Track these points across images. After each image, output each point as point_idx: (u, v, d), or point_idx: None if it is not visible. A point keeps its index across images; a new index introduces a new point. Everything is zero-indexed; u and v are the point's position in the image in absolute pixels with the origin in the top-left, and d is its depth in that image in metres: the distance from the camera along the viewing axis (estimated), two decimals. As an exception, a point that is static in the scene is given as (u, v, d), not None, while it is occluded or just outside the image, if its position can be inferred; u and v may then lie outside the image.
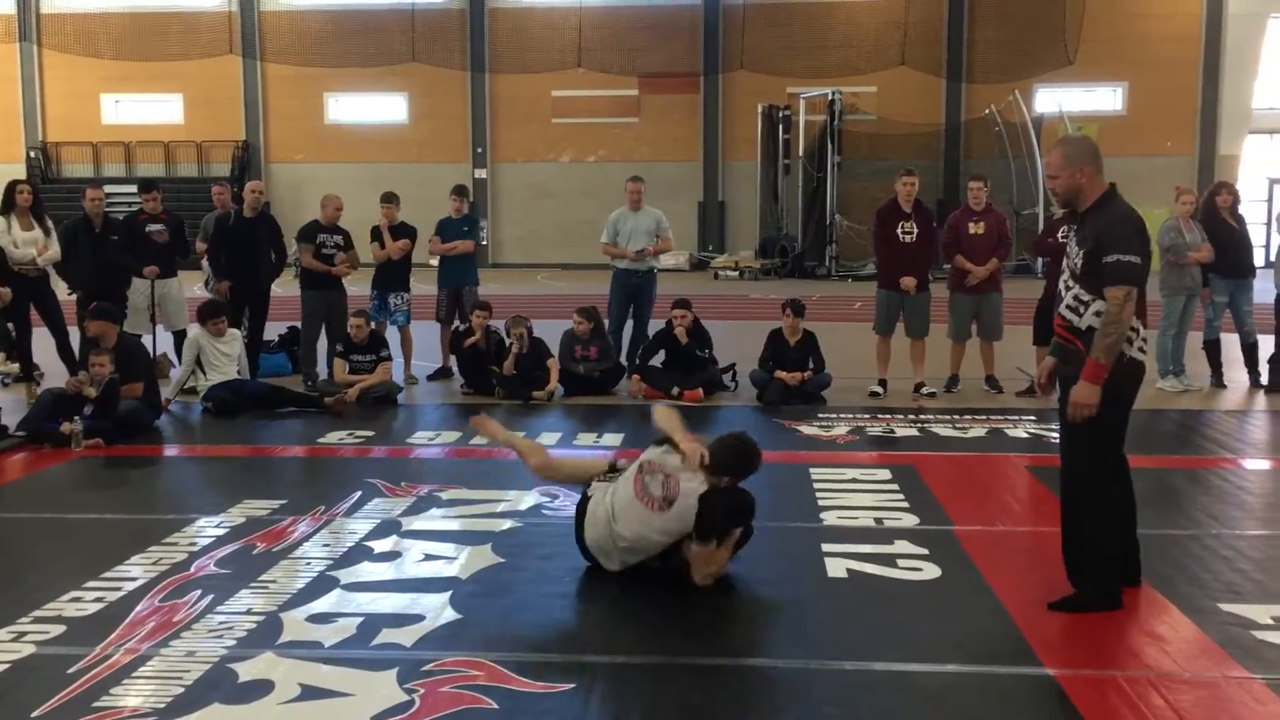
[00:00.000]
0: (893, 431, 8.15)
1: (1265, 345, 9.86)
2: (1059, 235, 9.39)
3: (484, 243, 28.50)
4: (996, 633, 4.20)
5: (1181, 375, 9.85)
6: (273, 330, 11.17)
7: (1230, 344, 10.14)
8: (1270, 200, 27.64)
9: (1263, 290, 10.21)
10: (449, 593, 4.63)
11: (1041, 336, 9.57)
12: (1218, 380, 9.98)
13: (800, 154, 28.19)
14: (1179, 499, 6.31)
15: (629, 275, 10.37)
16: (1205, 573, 4.85)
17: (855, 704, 3.64)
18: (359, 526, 5.64)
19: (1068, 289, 4.44)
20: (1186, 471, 6.91)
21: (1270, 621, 4.25)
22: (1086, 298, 4.32)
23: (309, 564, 5.04)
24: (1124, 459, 4.59)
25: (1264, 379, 9.82)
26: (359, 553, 5.22)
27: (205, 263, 11.09)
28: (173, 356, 10.24)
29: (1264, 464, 7.31)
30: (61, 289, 10.23)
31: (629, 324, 10.48)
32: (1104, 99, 30.26)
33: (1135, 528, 4.64)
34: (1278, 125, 30.14)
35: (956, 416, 8.62)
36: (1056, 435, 8.02)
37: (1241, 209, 10.24)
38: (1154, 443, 8.23)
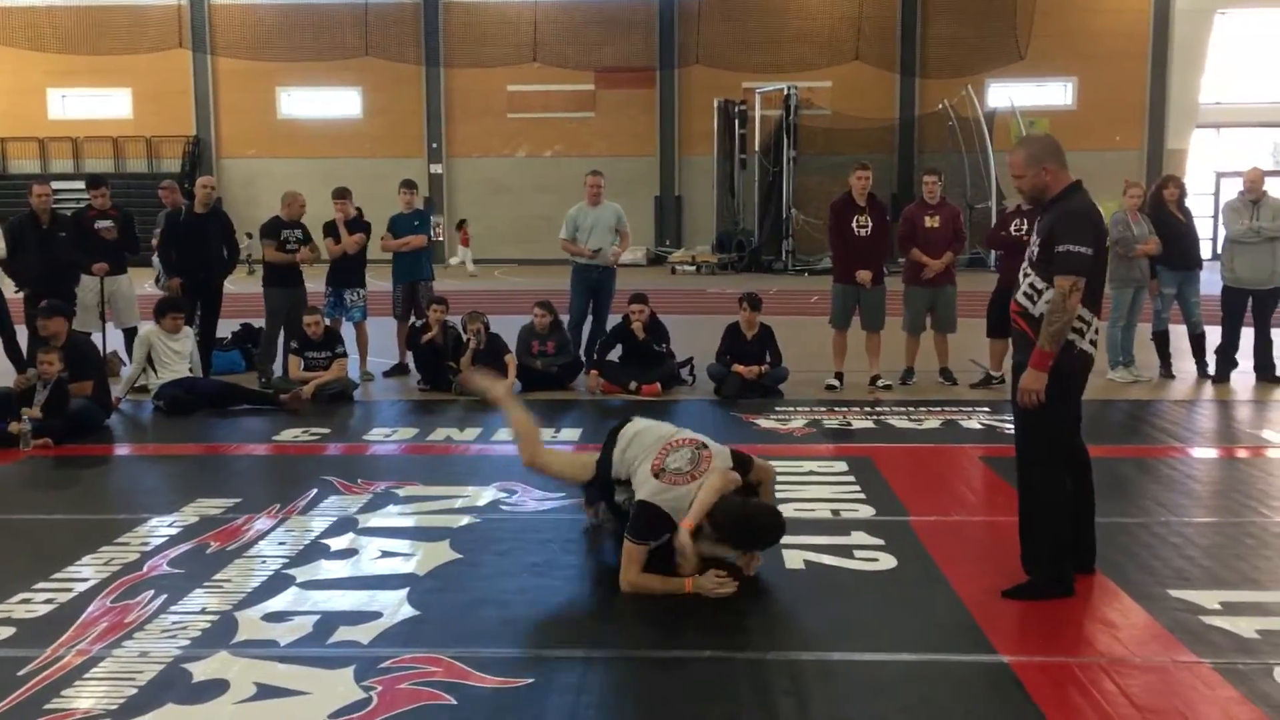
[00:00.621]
0: (849, 424, 8.21)
1: (1212, 336, 10.04)
2: (1011, 228, 9.51)
3: (439, 238, 28.35)
4: (952, 622, 4.24)
5: (1131, 366, 10.01)
6: (226, 327, 11.04)
7: (1178, 335, 10.31)
8: (1217, 194, 28.10)
9: (1209, 282, 10.39)
10: (406, 589, 4.61)
11: (995, 329, 9.68)
12: (1166, 371, 10.14)
13: (756, 149, 28.32)
14: (1129, 488, 6.41)
15: (588, 270, 10.34)
16: (1155, 560, 4.93)
17: (813, 694, 3.67)
18: (315, 524, 5.60)
19: (1024, 276, 4.52)
20: (1136, 460, 7.02)
21: (1218, 607, 4.33)
22: (1040, 285, 4.40)
23: (264, 562, 4.99)
24: (1082, 448, 4.66)
25: (1211, 369, 10.00)
26: (315, 550, 5.17)
27: (156, 259, 10.94)
28: (123, 354, 10.10)
29: (1211, 453, 7.45)
30: (8, 286, 10.06)
31: (588, 319, 10.45)
32: (1055, 94, 30.65)
33: (1093, 516, 4.70)
34: (1224, 120, 30.67)
35: (912, 409, 8.69)
36: (1010, 426, 8.14)
37: (1188, 202, 10.40)
38: (1104, 432, 8.35)
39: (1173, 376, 10.05)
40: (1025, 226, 9.38)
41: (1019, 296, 4.53)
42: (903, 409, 8.68)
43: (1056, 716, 3.42)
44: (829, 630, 4.21)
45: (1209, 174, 29.73)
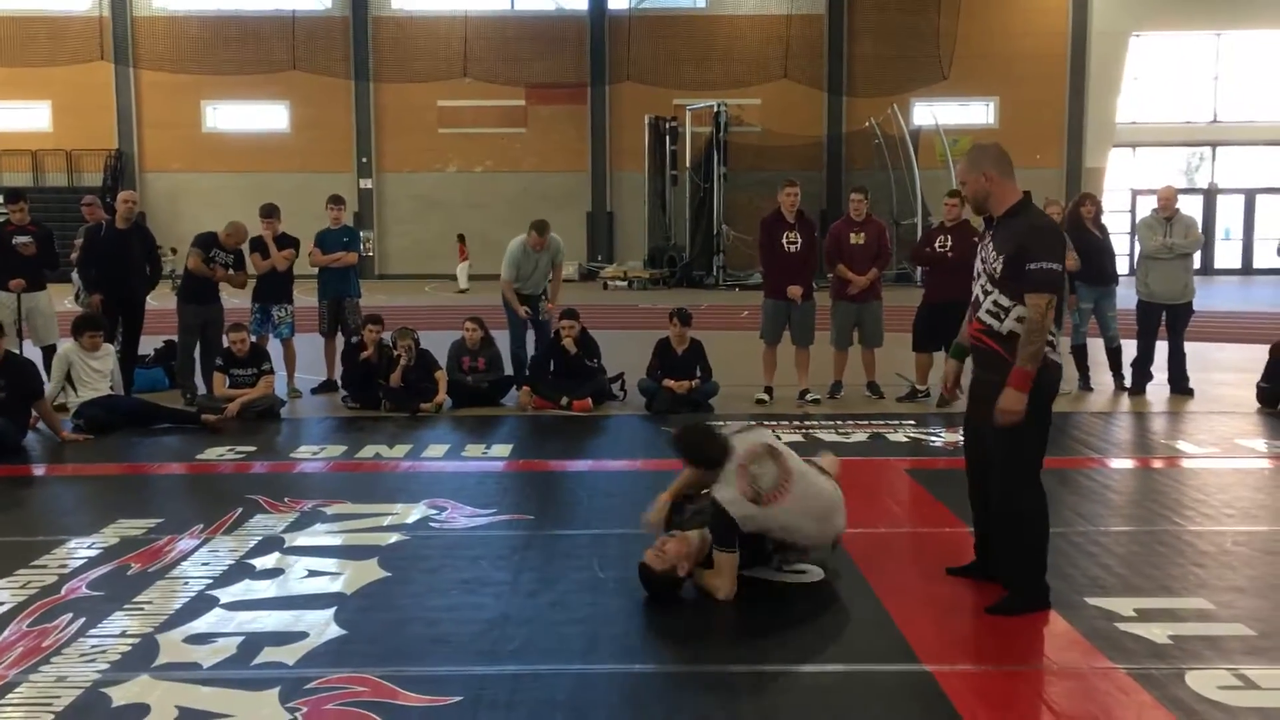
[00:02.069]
0: (778, 438, 8.27)
1: (1128, 350, 10.31)
2: (935, 244, 9.69)
3: (369, 254, 28.08)
4: (877, 632, 4.31)
5: (1052, 379, 10.22)
6: (149, 344, 10.85)
7: (1096, 348, 10.57)
8: (1133, 211, 28.89)
9: (1125, 297, 10.67)
10: (333, 609, 4.56)
11: (921, 343, 9.85)
12: (1084, 384, 10.39)
13: (687, 165, 28.54)
14: (1049, 498, 6.55)
15: (524, 296, 10.25)
16: (1072, 568, 5.05)
17: (741, 705, 3.70)
18: (240, 544, 5.52)
19: (986, 294, 4.48)
20: (1055, 472, 7.14)
21: (1133, 614, 4.45)
22: (1006, 303, 4.38)
23: (187, 584, 4.91)
24: None
25: (1127, 382, 10.27)
26: (240, 571, 5.10)
27: (75, 275, 10.71)
28: (43, 373, 9.85)
29: (1127, 463, 7.64)
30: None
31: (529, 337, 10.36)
32: (977, 113, 31.33)
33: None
34: (1139, 139, 31.58)
35: (839, 422, 8.81)
36: (935, 439, 8.29)
37: (1104, 219, 10.69)
38: (1026, 445, 8.55)
39: (1090, 389, 10.30)
40: (950, 243, 9.58)
41: (982, 315, 4.49)
42: (831, 422, 8.79)
43: (978, 723, 3.49)
44: (757, 641, 4.25)
45: (1125, 192, 30.57)
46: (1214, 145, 32.51)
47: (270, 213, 10.39)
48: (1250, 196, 32.54)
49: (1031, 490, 4.50)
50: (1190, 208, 10.73)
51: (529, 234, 10.06)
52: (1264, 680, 3.82)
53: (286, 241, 10.35)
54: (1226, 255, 32.54)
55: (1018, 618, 4.43)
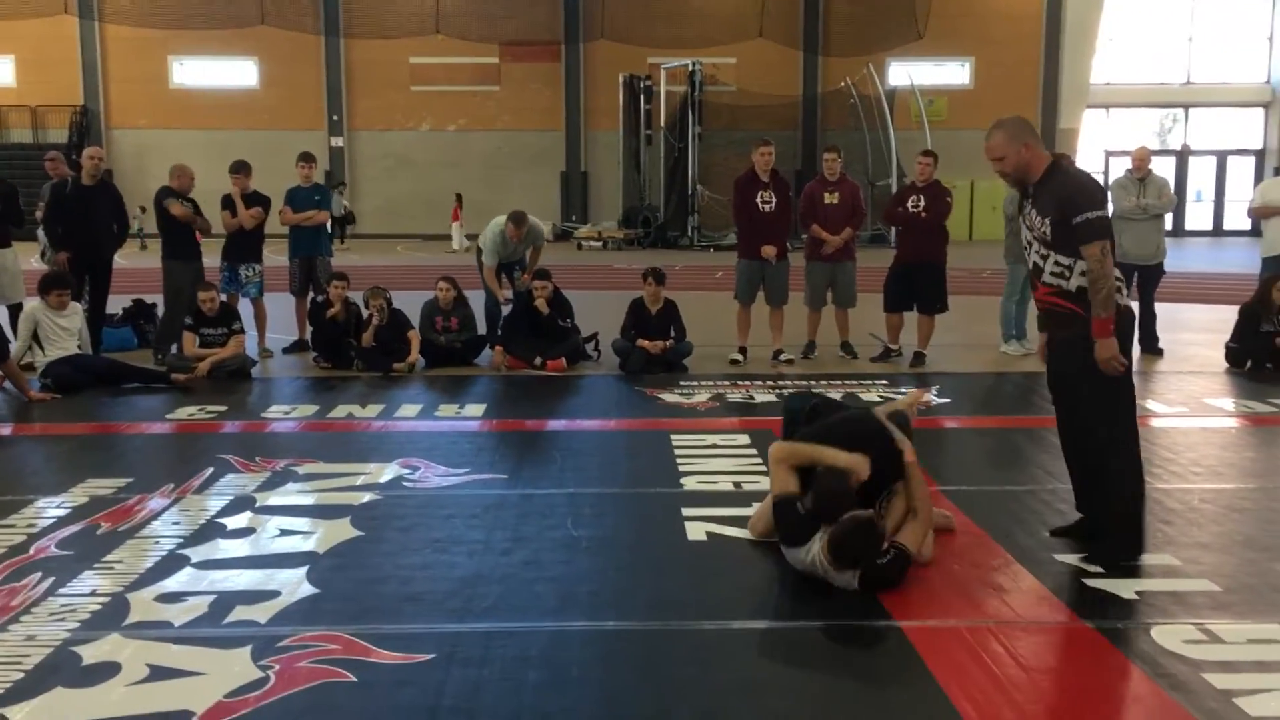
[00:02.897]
0: (752, 398, 8.31)
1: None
2: (908, 205, 9.70)
3: (348, 209, 27.70)
4: (851, 591, 4.33)
5: (1023, 340, 10.29)
6: (117, 303, 10.73)
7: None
8: (1106, 172, 29.01)
9: (1098, 258, 10.69)
10: (306, 567, 4.55)
11: (892, 304, 9.88)
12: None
13: (662, 124, 28.36)
14: (1019, 456, 6.62)
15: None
16: (1042, 526, 5.10)
17: (714, 662, 3.72)
18: (211, 503, 5.49)
19: (1043, 258, 4.56)
20: (1026, 430, 7.24)
21: (1099, 570, 4.50)
22: (1067, 261, 4.47)
23: (157, 543, 4.88)
24: None
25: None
26: (211, 530, 5.07)
27: (41, 233, 10.56)
28: (9, 331, 9.73)
29: (1098, 422, 7.70)
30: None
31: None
32: (952, 73, 31.27)
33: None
34: (1113, 100, 31.64)
35: (813, 382, 8.83)
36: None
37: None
38: (997, 404, 8.63)
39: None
40: (922, 203, 9.59)
41: (1047, 278, 4.57)
42: (805, 382, 8.81)
43: (946, 677, 3.53)
44: (730, 600, 4.27)
45: (1099, 153, 30.67)
46: (1187, 107, 32.64)
47: (239, 169, 10.25)
48: (1222, 158, 32.73)
49: (1125, 435, 4.59)
50: (1163, 169, 10.77)
51: (506, 225, 9.98)
52: (1227, 634, 3.87)
53: (256, 200, 10.23)
54: (1198, 217, 32.77)
55: (983, 576, 4.47)
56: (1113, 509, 4.63)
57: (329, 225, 11.02)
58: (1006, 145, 4.56)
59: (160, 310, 10.45)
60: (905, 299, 9.82)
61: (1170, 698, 3.40)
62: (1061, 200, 4.45)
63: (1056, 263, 4.51)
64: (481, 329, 10.10)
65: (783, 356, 9.75)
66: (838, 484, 4.40)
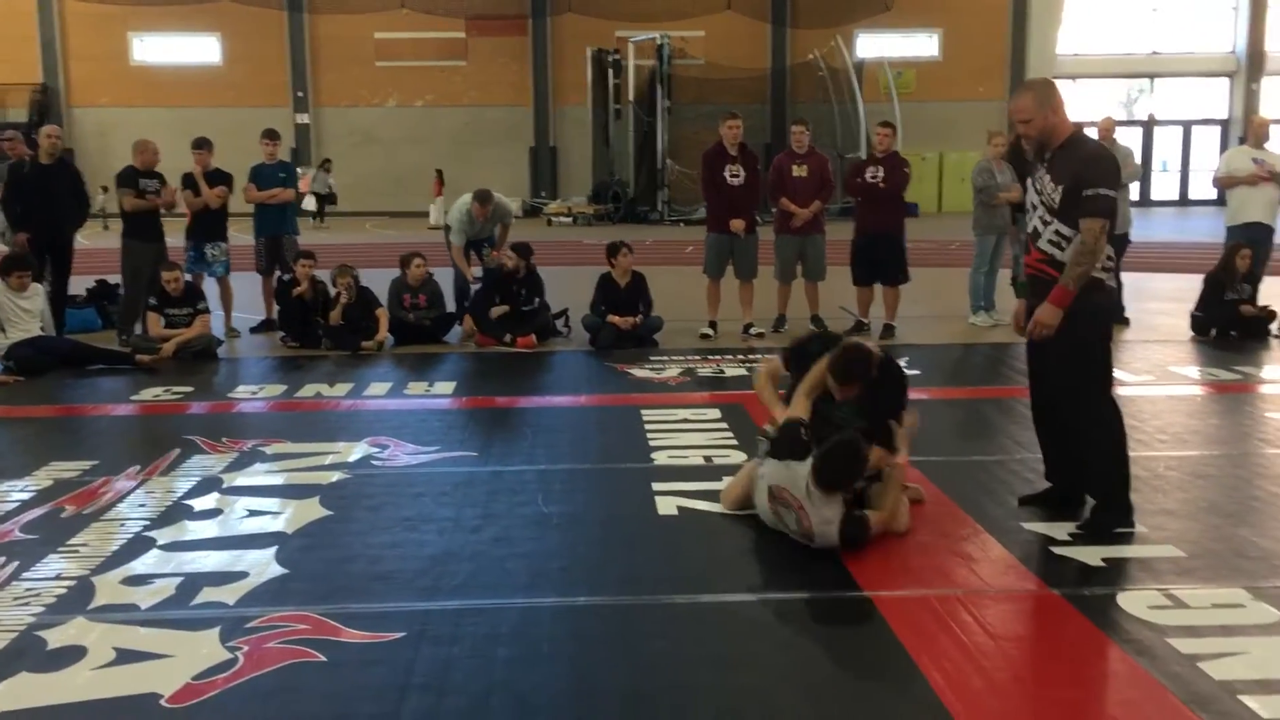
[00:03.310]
0: (722, 372, 8.31)
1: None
2: (866, 175, 9.67)
3: (322, 184, 27.34)
4: (818, 561, 4.35)
5: (991, 311, 10.35)
6: (80, 284, 10.60)
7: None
8: (1074, 143, 29.08)
9: (1065, 228, 10.75)
10: (274, 548, 4.52)
11: (861, 277, 9.89)
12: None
13: (631, 99, 28.20)
14: (988, 427, 6.67)
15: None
16: (1010, 495, 5.13)
17: (686, 637, 3.73)
18: (178, 485, 5.44)
19: (1045, 224, 4.50)
20: (995, 401, 7.28)
21: (1067, 538, 4.54)
22: (1068, 232, 4.42)
23: (123, 525, 4.83)
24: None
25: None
26: (178, 512, 5.03)
27: None
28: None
29: (1065, 392, 7.76)
30: None
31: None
32: (921, 45, 31.27)
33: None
34: (1080, 70, 31.75)
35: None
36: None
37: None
38: (966, 375, 8.68)
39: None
40: (880, 173, 9.58)
41: (1043, 245, 4.51)
42: (774, 356, 8.81)
43: (916, 646, 3.55)
44: (701, 573, 4.28)
45: (1067, 124, 30.76)
46: (1152, 77, 32.79)
47: (202, 144, 10.11)
48: (1187, 128, 32.93)
49: (1104, 410, 4.57)
50: (1129, 139, 10.82)
51: (472, 203, 9.93)
52: (1192, 600, 3.92)
53: (218, 177, 10.09)
54: (1164, 186, 32.99)
55: (952, 545, 4.49)
56: (1095, 480, 4.66)
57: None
58: (1035, 109, 4.49)
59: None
60: (870, 271, 9.83)
61: (1136, 663, 3.44)
62: (1079, 170, 4.39)
63: (1057, 232, 4.45)
64: (450, 306, 10.05)
65: (753, 330, 9.76)
66: (855, 448, 4.40)
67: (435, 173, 27.09)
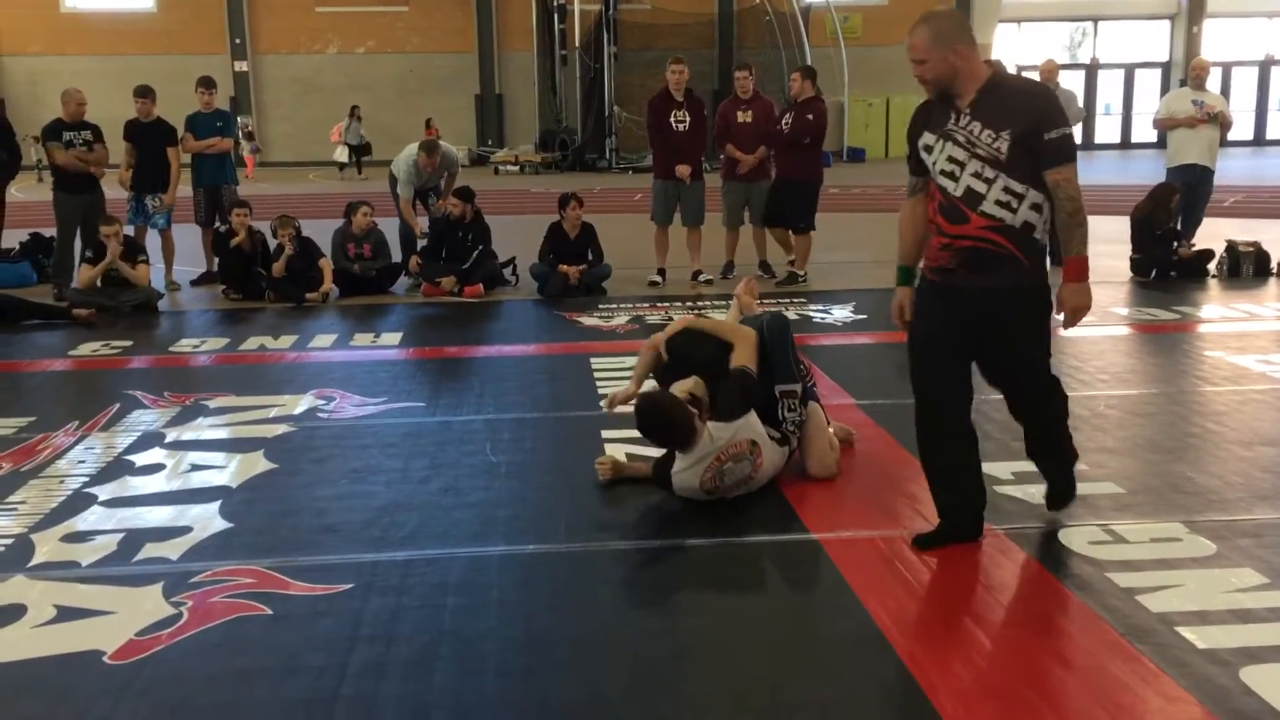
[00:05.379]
0: (671, 319, 8.28)
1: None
2: (783, 122, 9.57)
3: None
4: (767, 504, 4.38)
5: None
6: (13, 237, 10.33)
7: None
8: (1019, 88, 29.20)
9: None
10: (218, 502, 4.46)
11: (767, 219, 9.77)
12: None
13: (577, 45, 27.83)
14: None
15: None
16: (955, 436, 5.17)
17: (634, 582, 3.75)
18: (118, 440, 5.35)
19: (988, 182, 3.64)
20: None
21: (1010, 477, 4.60)
22: (1019, 188, 3.62)
23: (63, 482, 4.75)
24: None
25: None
26: (118, 467, 4.95)
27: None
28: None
29: (1009, 334, 7.84)
30: None
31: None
32: (872, -11, 31.05)
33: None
34: (1024, 14, 31.82)
35: (731, 302, 8.82)
36: (825, 314, 8.40)
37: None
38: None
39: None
40: (790, 118, 9.49)
41: (987, 207, 3.65)
42: (724, 302, 8.81)
43: (862, 586, 3.59)
44: (651, 519, 4.29)
45: (1011, 68, 30.85)
46: (1095, 20, 32.94)
47: (145, 93, 9.84)
48: (1130, 71, 33.17)
49: (1057, 384, 4.06)
50: (1072, 83, 10.88)
51: (419, 154, 9.77)
52: (1130, 534, 4.00)
53: (160, 128, 9.84)
54: (1107, 130, 33.28)
55: (898, 487, 4.54)
56: (1057, 449, 4.13)
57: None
58: (930, 48, 3.66)
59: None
60: (775, 216, 9.77)
61: (1076, 597, 3.51)
62: (1029, 111, 3.62)
63: (1007, 189, 3.63)
64: (396, 256, 9.92)
65: (702, 277, 9.75)
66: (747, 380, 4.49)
67: (425, 122, 26.52)
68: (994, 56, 30.33)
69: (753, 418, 4.41)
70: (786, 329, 4.85)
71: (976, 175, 3.67)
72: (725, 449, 4.28)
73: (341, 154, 25.79)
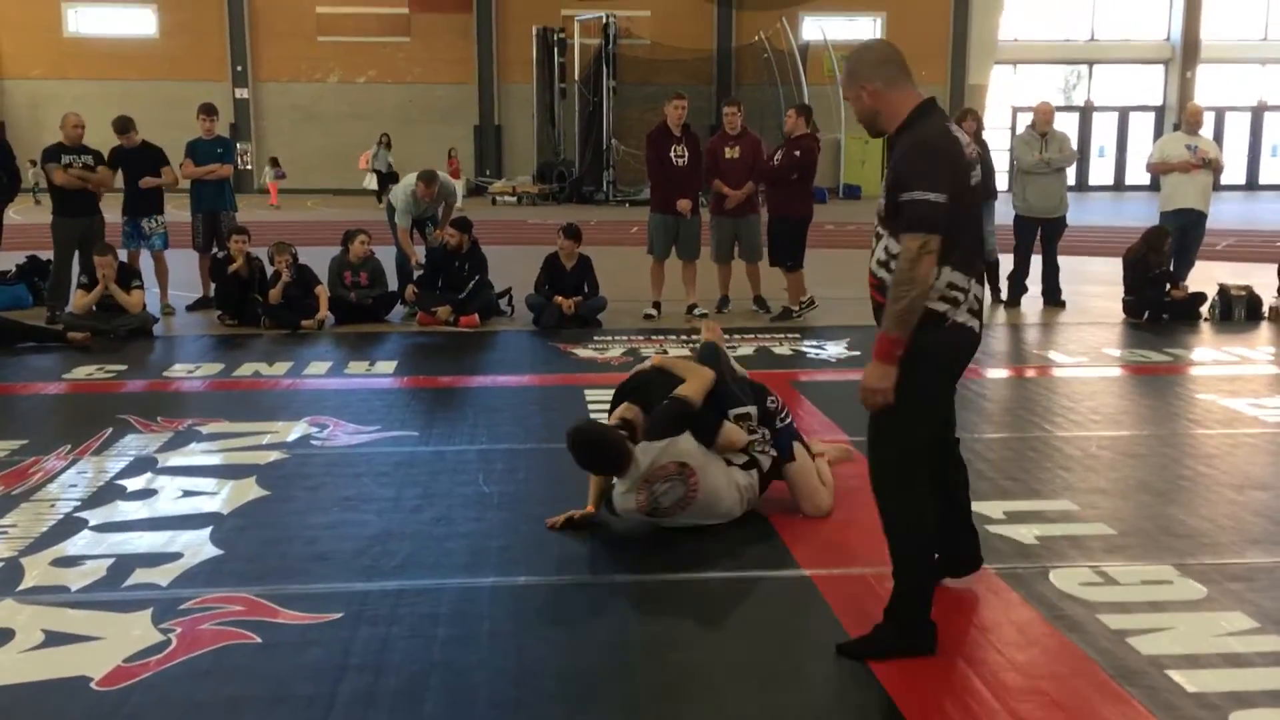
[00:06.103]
0: (666, 352, 8.31)
1: (1006, 264, 10.58)
2: (775, 159, 9.64)
3: (248, 167, 26.98)
4: (760, 539, 4.38)
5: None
6: (10, 260, 10.35)
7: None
8: (1013, 127, 29.46)
9: (1003, 213, 10.91)
10: (209, 528, 4.45)
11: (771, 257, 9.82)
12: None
13: (576, 78, 28.03)
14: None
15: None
16: (947, 474, 5.18)
17: (627, 615, 3.74)
18: (110, 465, 5.34)
19: (877, 238, 3.35)
20: (934, 382, 7.35)
21: (1002, 516, 4.61)
22: (896, 249, 3.21)
23: (54, 506, 4.73)
24: (955, 458, 3.80)
25: (1004, 294, 10.56)
26: (110, 492, 4.94)
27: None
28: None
29: (1002, 373, 7.87)
30: None
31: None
32: (864, 28, 31.38)
33: (970, 513, 3.88)
34: (1020, 56, 32.14)
35: (726, 336, 8.84)
36: (819, 350, 8.43)
37: (986, 135, 10.87)
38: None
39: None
40: (780, 154, 9.57)
41: (873, 266, 3.35)
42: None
43: (853, 624, 3.59)
44: (645, 553, 4.28)
45: (1006, 109, 31.15)
46: (1090, 63, 33.27)
47: (125, 128, 9.87)
48: (1124, 114, 33.47)
49: (899, 497, 3.41)
50: (1066, 125, 10.99)
51: (417, 184, 9.83)
52: (1122, 576, 4.00)
53: (149, 152, 9.89)
54: (1100, 172, 33.54)
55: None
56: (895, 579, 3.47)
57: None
58: (846, 85, 3.38)
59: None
60: (783, 255, 9.80)
61: (1066, 638, 3.51)
62: (895, 167, 3.26)
63: (886, 249, 3.26)
64: (392, 285, 9.95)
65: (697, 311, 9.77)
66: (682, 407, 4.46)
67: (448, 152, 26.71)
68: (987, 98, 30.67)
69: (684, 441, 4.36)
70: (717, 355, 4.92)
71: (876, 230, 3.39)
72: (651, 471, 4.25)
73: (370, 181, 25.98)
